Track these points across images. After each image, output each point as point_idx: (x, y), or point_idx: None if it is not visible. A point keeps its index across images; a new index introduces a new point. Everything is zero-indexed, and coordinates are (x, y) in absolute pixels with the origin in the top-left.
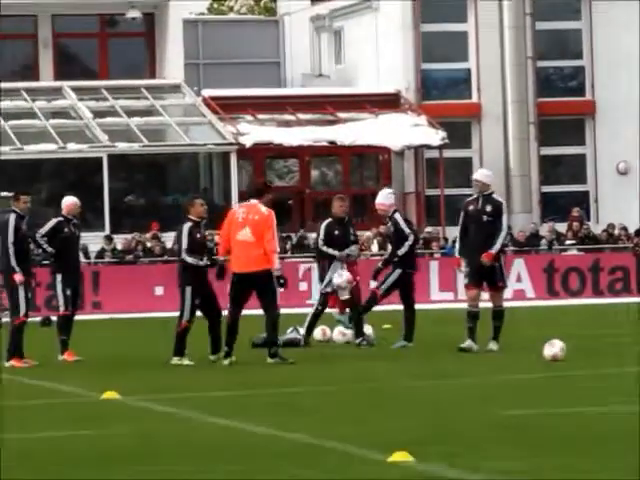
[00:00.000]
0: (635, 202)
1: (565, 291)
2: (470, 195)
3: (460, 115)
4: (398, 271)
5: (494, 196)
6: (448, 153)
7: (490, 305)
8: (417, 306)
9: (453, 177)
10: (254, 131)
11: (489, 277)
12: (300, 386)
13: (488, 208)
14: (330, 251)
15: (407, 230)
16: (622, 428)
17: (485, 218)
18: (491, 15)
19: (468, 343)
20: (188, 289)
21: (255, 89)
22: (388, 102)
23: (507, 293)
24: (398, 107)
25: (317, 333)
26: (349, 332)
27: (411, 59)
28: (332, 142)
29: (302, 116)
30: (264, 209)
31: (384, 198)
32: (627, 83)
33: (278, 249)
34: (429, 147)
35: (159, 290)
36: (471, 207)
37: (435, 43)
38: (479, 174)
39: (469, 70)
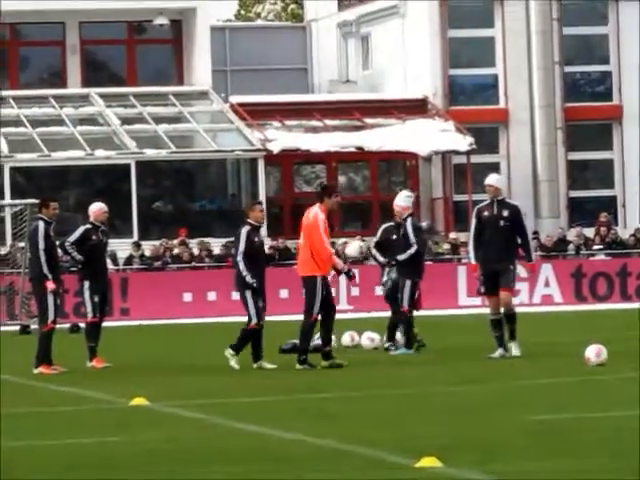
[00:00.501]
0: None
1: (593, 296)
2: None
3: (487, 120)
4: (409, 282)
5: (508, 200)
6: (476, 159)
7: (501, 310)
8: (446, 311)
9: (481, 182)
10: (282, 137)
11: (503, 279)
12: (329, 392)
13: (505, 213)
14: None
15: (413, 238)
16: None
17: (502, 223)
18: (518, 20)
19: (499, 352)
20: (248, 292)
21: (282, 95)
22: (415, 108)
23: (536, 298)
24: (425, 113)
25: (345, 338)
26: (377, 337)
27: (438, 65)
28: (359, 148)
29: (329, 122)
30: (313, 213)
31: (401, 200)
32: None
33: (331, 250)
34: (457, 152)
35: (187, 296)
36: (486, 213)
37: (462, 49)
38: (492, 179)
39: (496, 75)
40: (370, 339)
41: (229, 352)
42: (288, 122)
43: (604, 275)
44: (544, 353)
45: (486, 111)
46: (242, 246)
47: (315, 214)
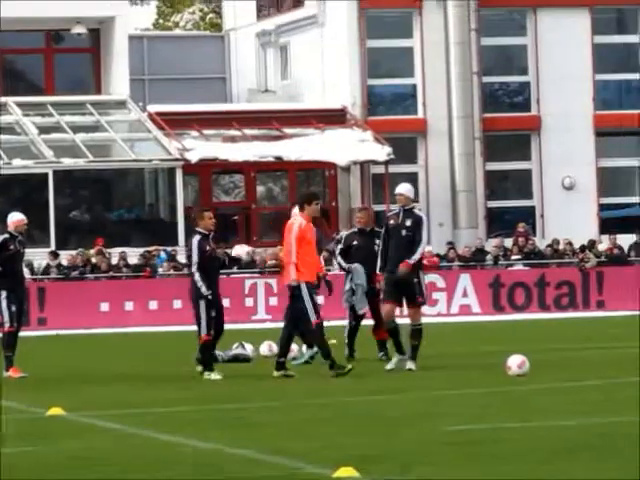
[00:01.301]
0: (580, 217)
1: (511, 306)
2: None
3: (406, 130)
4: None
5: (415, 210)
6: (394, 168)
7: (408, 322)
8: (370, 321)
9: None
10: (200, 147)
11: (408, 292)
12: (250, 402)
13: (408, 222)
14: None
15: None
16: (571, 443)
17: (404, 232)
18: (437, 31)
19: (396, 360)
20: (202, 303)
21: (201, 105)
22: (334, 118)
23: (454, 308)
24: (344, 123)
25: (264, 348)
26: (296, 347)
27: (357, 75)
28: (278, 157)
29: (248, 131)
30: (290, 222)
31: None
32: (572, 98)
33: (294, 259)
34: (375, 162)
35: (104, 306)
36: (392, 221)
37: (381, 59)
38: (402, 188)
39: (415, 86)
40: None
41: (202, 371)
42: (206, 131)
43: (522, 285)
44: (463, 363)
45: (404, 121)
46: (195, 257)
47: (291, 223)
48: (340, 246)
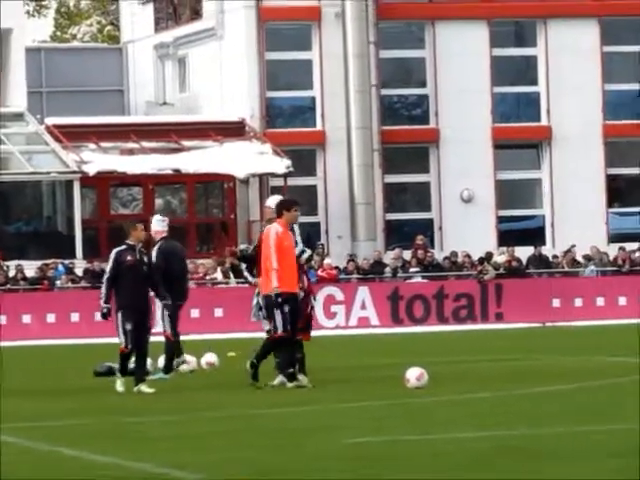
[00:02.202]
0: (479, 229)
1: (410, 318)
2: (315, 223)
3: (305, 143)
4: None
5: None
6: (293, 181)
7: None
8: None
9: (298, 205)
10: (98, 159)
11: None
12: (148, 415)
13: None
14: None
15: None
16: (469, 456)
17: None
18: (335, 43)
19: (280, 379)
20: (119, 314)
21: (99, 117)
22: (233, 130)
23: (352, 320)
24: (243, 135)
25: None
26: (193, 360)
27: (256, 87)
28: (176, 170)
29: (146, 144)
30: (267, 228)
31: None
32: (470, 111)
33: (275, 266)
34: (274, 175)
35: (2, 319)
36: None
37: (280, 71)
38: (271, 200)
39: (314, 98)
40: (186, 362)
41: (141, 387)
42: (104, 144)
43: (421, 298)
44: (362, 376)
45: (303, 133)
46: (108, 269)
47: (268, 229)
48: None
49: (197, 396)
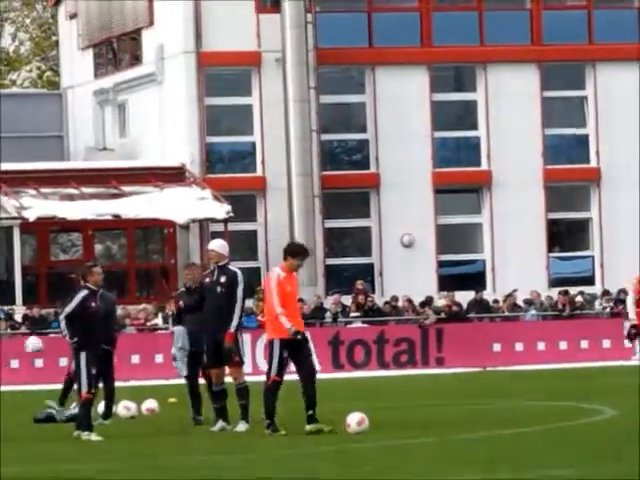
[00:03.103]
0: (419, 274)
1: (350, 363)
2: (256, 268)
3: (245, 188)
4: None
5: (229, 266)
6: (233, 226)
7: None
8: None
9: (239, 251)
10: (37, 205)
11: (225, 353)
12: (85, 462)
13: (222, 279)
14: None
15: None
16: None
17: (219, 290)
18: (275, 89)
19: (220, 424)
20: (82, 356)
21: (38, 163)
22: (173, 175)
23: (292, 367)
24: (183, 180)
25: (120, 409)
26: (134, 406)
27: (196, 132)
28: (116, 215)
29: (86, 190)
30: (269, 272)
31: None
32: (411, 156)
33: (279, 310)
34: (214, 220)
35: None
36: (207, 280)
37: (220, 117)
38: (213, 244)
39: (254, 143)
40: (126, 408)
41: (82, 434)
42: (44, 190)
43: (361, 342)
44: (302, 422)
45: (243, 179)
46: (70, 308)
47: (270, 273)
48: (172, 308)
49: (136, 443)
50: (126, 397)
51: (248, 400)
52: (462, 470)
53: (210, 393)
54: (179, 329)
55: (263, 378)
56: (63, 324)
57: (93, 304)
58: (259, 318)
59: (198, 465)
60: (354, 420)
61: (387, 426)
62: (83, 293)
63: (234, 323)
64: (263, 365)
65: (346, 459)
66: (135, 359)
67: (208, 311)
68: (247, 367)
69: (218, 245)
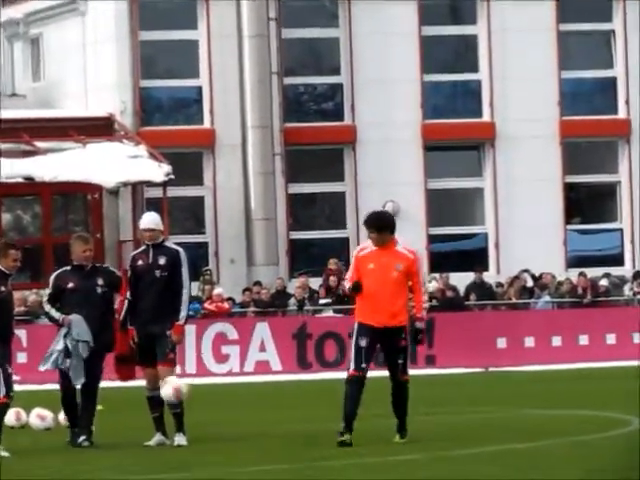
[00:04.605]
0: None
1: (320, 362)
2: (202, 244)
3: (189, 144)
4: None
5: (168, 244)
6: (174, 191)
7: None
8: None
9: (180, 221)
10: None
11: (158, 347)
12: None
13: (161, 260)
14: (52, 313)
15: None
16: None
17: (159, 274)
18: (227, 21)
19: (158, 438)
20: None
21: None
22: (99, 128)
23: (248, 365)
24: (111, 135)
25: (10, 417)
26: (50, 415)
27: (127, 75)
28: (29, 178)
29: None
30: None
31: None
32: (394, 104)
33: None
34: (150, 184)
35: None
36: (140, 262)
37: (158, 55)
38: (148, 221)
39: (200, 89)
40: (40, 417)
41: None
42: None
43: (333, 336)
44: (261, 433)
45: (187, 133)
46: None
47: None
48: (48, 290)
49: (59, 460)
50: (40, 404)
51: (182, 408)
52: None
53: (148, 400)
54: (75, 318)
55: (210, 380)
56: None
57: (2, 288)
58: (206, 305)
59: None
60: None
61: (366, 440)
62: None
63: (183, 314)
64: (210, 364)
65: (320, 475)
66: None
67: (142, 300)
68: (191, 366)
69: (153, 221)
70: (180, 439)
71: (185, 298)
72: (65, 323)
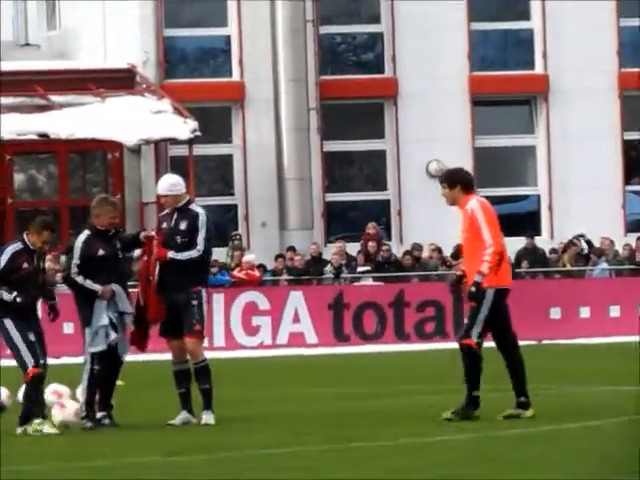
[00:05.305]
0: (451, 215)
1: (358, 334)
2: (231, 206)
3: (216, 99)
4: None
5: (192, 207)
6: (201, 150)
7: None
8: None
9: (207, 182)
10: None
11: (184, 318)
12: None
13: (182, 225)
14: (90, 285)
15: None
16: None
17: (179, 239)
18: None
19: (183, 416)
20: (7, 322)
21: None
22: (119, 81)
23: (281, 337)
24: (133, 88)
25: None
26: (66, 391)
27: (150, 23)
28: (43, 135)
29: (2, 100)
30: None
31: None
32: (440, 55)
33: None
34: (175, 141)
35: None
36: (164, 225)
37: (183, 2)
38: (165, 186)
39: (228, 38)
40: (57, 394)
41: (35, 426)
42: None
43: (373, 306)
44: (294, 411)
45: (214, 86)
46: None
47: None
48: (74, 260)
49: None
50: (56, 380)
51: (211, 383)
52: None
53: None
54: (116, 288)
55: (240, 354)
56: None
57: (25, 265)
58: (235, 273)
59: (151, 464)
60: None
61: (404, 418)
62: (15, 247)
63: (179, 256)
64: (240, 337)
65: (350, 460)
66: (69, 328)
67: (164, 266)
68: (219, 339)
69: (165, 186)
70: (208, 417)
71: (193, 254)
72: (106, 295)
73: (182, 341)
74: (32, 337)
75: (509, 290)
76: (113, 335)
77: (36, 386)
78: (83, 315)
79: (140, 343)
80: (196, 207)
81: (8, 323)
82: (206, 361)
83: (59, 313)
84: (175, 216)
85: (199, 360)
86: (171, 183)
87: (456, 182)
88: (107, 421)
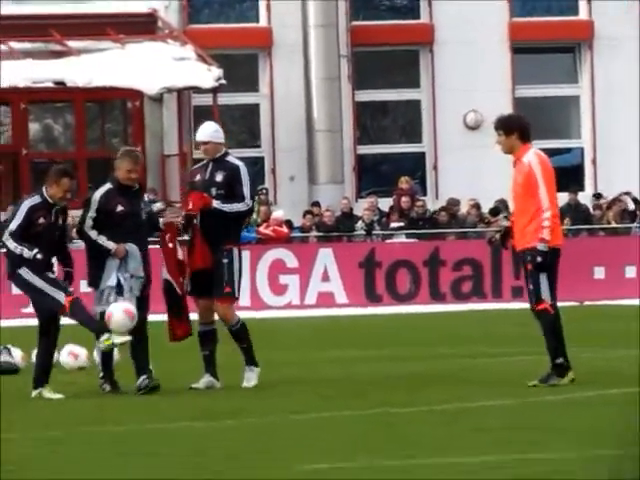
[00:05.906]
0: (490, 168)
1: (391, 294)
2: (258, 159)
3: (242, 45)
4: None
5: (229, 159)
6: (226, 99)
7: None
8: None
9: (233, 133)
10: None
11: (214, 278)
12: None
13: (219, 177)
14: (103, 242)
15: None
16: None
17: (215, 191)
18: None
19: (206, 379)
20: (22, 270)
21: None
22: (140, 26)
23: (309, 297)
24: (154, 33)
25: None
26: (83, 352)
27: None
28: (60, 82)
29: (16, 45)
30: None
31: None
32: (475, 1)
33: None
34: (198, 90)
35: None
36: (198, 177)
37: None
38: (206, 132)
39: None
40: (73, 355)
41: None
42: None
43: (407, 265)
44: (324, 375)
45: (240, 31)
46: (15, 223)
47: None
48: (90, 213)
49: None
50: (73, 340)
51: (249, 341)
52: (549, 447)
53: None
54: (130, 247)
55: (266, 314)
56: (10, 246)
57: (41, 220)
58: (262, 230)
59: (180, 430)
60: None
61: (441, 383)
62: (32, 202)
63: (226, 207)
64: (267, 296)
65: (386, 428)
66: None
67: (200, 222)
68: (244, 298)
69: (207, 132)
70: (249, 376)
71: (241, 207)
72: (119, 254)
73: (210, 301)
74: (51, 275)
75: (561, 249)
76: (118, 299)
77: (80, 306)
78: (92, 274)
79: (179, 331)
80: (234, 159)
81: (23, 271)
82: (239, 322)
83: (73, 280)
84: (210, 167)
85: (233, 323)
86: (214, 129)
87: (513, 129)
88: (147, 381)
